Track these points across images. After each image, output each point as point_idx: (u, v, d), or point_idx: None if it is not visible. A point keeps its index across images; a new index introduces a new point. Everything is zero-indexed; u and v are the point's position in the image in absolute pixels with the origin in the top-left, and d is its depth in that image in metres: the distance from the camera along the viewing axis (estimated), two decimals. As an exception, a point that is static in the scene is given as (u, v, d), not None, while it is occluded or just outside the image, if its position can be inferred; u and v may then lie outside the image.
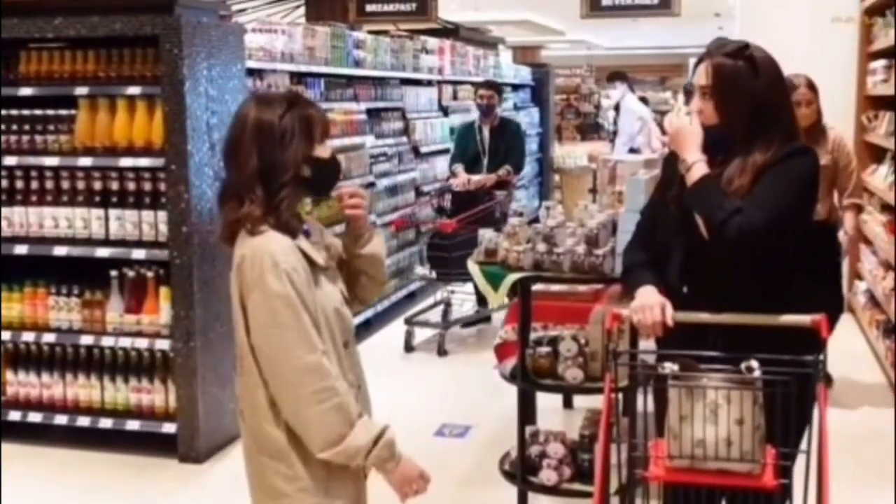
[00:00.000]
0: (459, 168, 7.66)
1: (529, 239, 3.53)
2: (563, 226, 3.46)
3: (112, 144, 4.73)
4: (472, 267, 3.67)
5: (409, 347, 6.94)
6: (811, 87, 5.15)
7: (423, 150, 8.84)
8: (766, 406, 2.44)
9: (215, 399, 4.84)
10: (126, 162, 4.71)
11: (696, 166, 2.61)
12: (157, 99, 4.64)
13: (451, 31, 14.42)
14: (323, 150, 2.42)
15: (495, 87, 7.80)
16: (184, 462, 4.77)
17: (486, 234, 3.66)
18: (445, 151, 9.61)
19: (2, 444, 4.70)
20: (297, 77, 6.47)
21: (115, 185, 4.76)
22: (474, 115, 8.02)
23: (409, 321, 7.08)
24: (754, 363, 2.44)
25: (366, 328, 7.31)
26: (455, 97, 10.31)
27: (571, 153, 14.47)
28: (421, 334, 7.14)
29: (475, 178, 7.50)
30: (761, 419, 2.43)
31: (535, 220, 4.16)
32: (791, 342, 2.62)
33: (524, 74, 14.37)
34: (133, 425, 4.84)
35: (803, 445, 2.48)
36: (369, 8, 10.53)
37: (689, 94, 2.80)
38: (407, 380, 6.23)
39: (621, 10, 9.80)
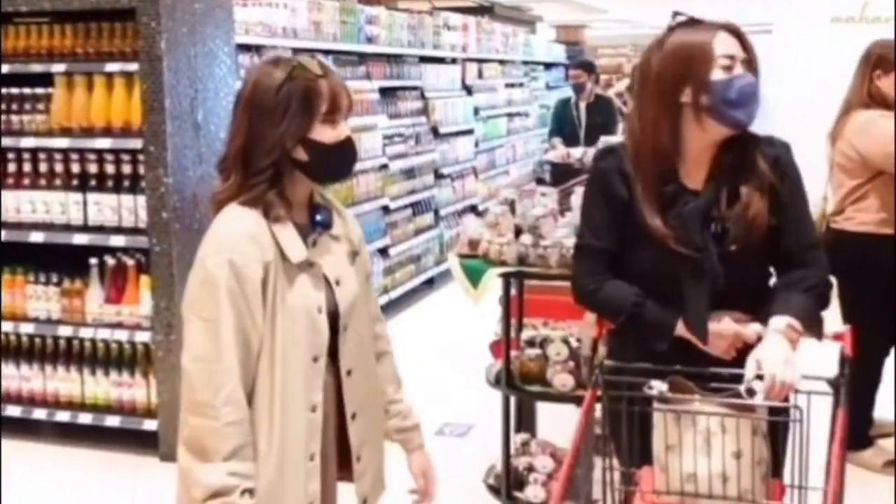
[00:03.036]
0: (557, 141, 8.11)
1: (518, 229, 3.16)
2: (552, 215, 3.08)
3: (89, 125, 4.46)
4: (452, 259, 3.31)
5: None
6: None
7: (444, 130, 8.48)
8: (771, 436, 2.08)
9: (199, 396, 4.55)
10: (104, 143, 4.44)
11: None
12: (135, 76, 4.35)
13: (485, 9, 14.07)
14: (326, 133, 2.05)
15: (583, 67, 8.34)
16: (165, 461, 4.49)
17: (469, 223, 3.29)
18: (469, 132, 9.28)
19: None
20: (302, 54, 6.13)
21: (93, 168, 4.49)
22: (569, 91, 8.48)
23: None
24: (756, 385, 2.06)
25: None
26: (480, 76, 9.93)
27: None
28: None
29: (574, 151, 7.78)
30: (764, 451, 2.06)
31: None
32: None
33: (557, 54, 13.96)
34: (113, 421, 4.59)
35: (819, 482, 2.10)
36: (402, -16, 10.26)
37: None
38: (413, 373, 5.91)
39: (659, -15, 9.42)
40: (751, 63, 2.26)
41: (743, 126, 2.25)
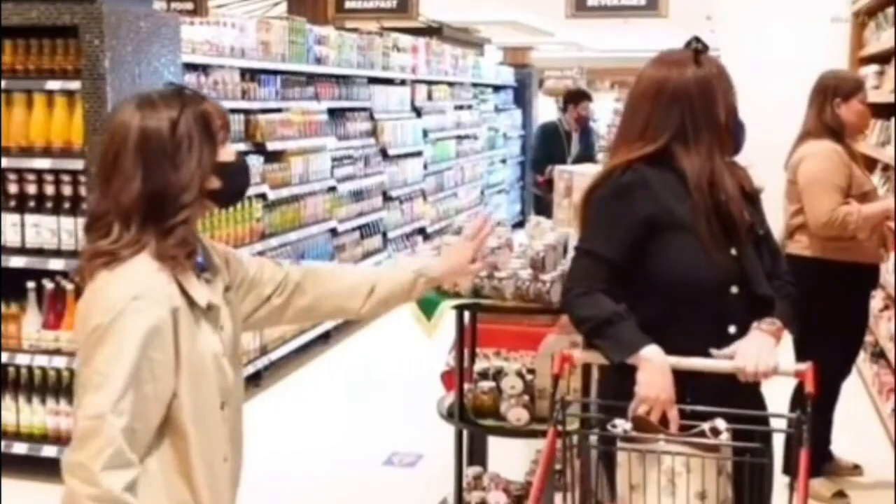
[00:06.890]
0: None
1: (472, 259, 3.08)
2: (507, 246, 3.01)
3: (28, 144, 4.31)
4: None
5: None
6: None
7: (392, 152, 8.41)
8: (735, 476, 2.04)
9: (140, 425, 4.41)
10: (43, 164, 4.29)
11: None
12: (77, 95, 4.21)
13: (434, 30, 14.06)
14: (226, 152, 1.98)
15: (590, 99, 8.74)
16: (104, 494, 4.34)
17: (422, 252, 3.21)
18: (418, 154, 9.22)
19: None
20: (250, 74, 6.03)
21: (31, 189, 4.34)
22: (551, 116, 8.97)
23: None
24: (721, 424, 2.02)
25: (324, 340, 6.90)
26: (430, 97, 9.89)
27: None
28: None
29: None
30: (728, 491, 2.02)
31: (520, 224, 3.83)
32: None
33: (506, 76, 13.98)
34: (49, 451, 4.41)
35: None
36: (349, 4, 10.15)
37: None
38: (361, 400, 5.81)
39: (607, 10, 9.48)
40: None
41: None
